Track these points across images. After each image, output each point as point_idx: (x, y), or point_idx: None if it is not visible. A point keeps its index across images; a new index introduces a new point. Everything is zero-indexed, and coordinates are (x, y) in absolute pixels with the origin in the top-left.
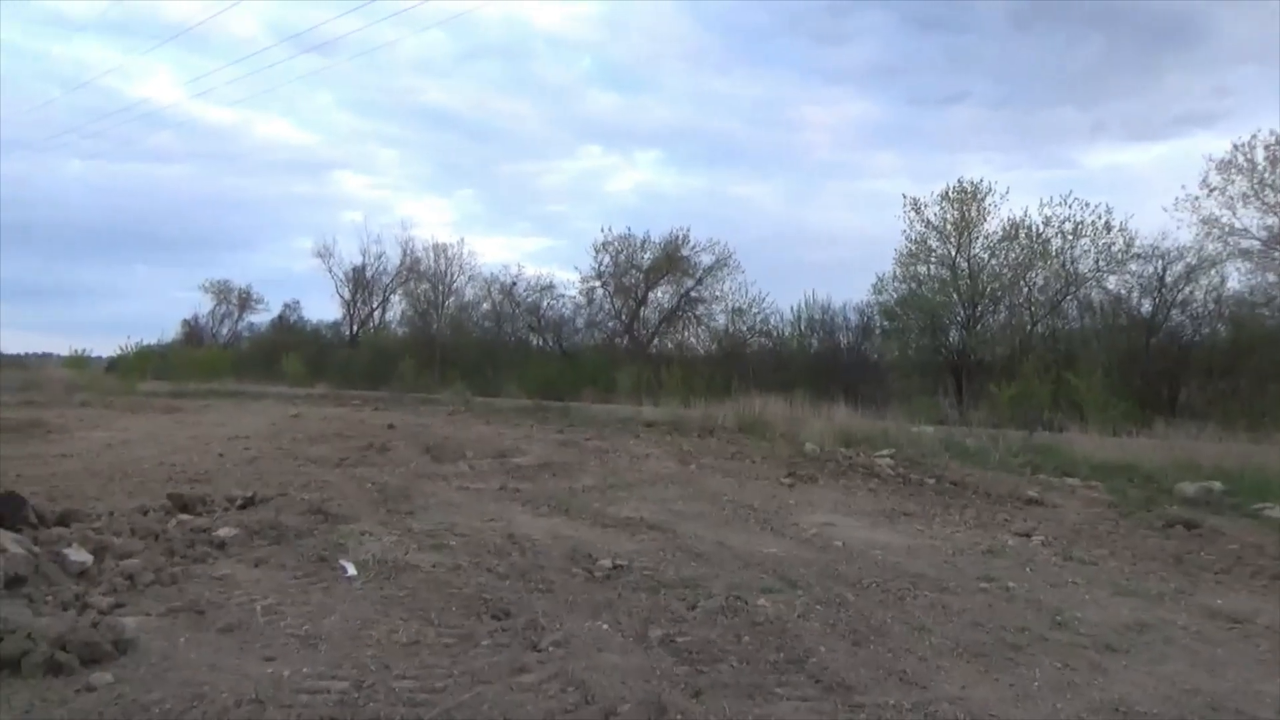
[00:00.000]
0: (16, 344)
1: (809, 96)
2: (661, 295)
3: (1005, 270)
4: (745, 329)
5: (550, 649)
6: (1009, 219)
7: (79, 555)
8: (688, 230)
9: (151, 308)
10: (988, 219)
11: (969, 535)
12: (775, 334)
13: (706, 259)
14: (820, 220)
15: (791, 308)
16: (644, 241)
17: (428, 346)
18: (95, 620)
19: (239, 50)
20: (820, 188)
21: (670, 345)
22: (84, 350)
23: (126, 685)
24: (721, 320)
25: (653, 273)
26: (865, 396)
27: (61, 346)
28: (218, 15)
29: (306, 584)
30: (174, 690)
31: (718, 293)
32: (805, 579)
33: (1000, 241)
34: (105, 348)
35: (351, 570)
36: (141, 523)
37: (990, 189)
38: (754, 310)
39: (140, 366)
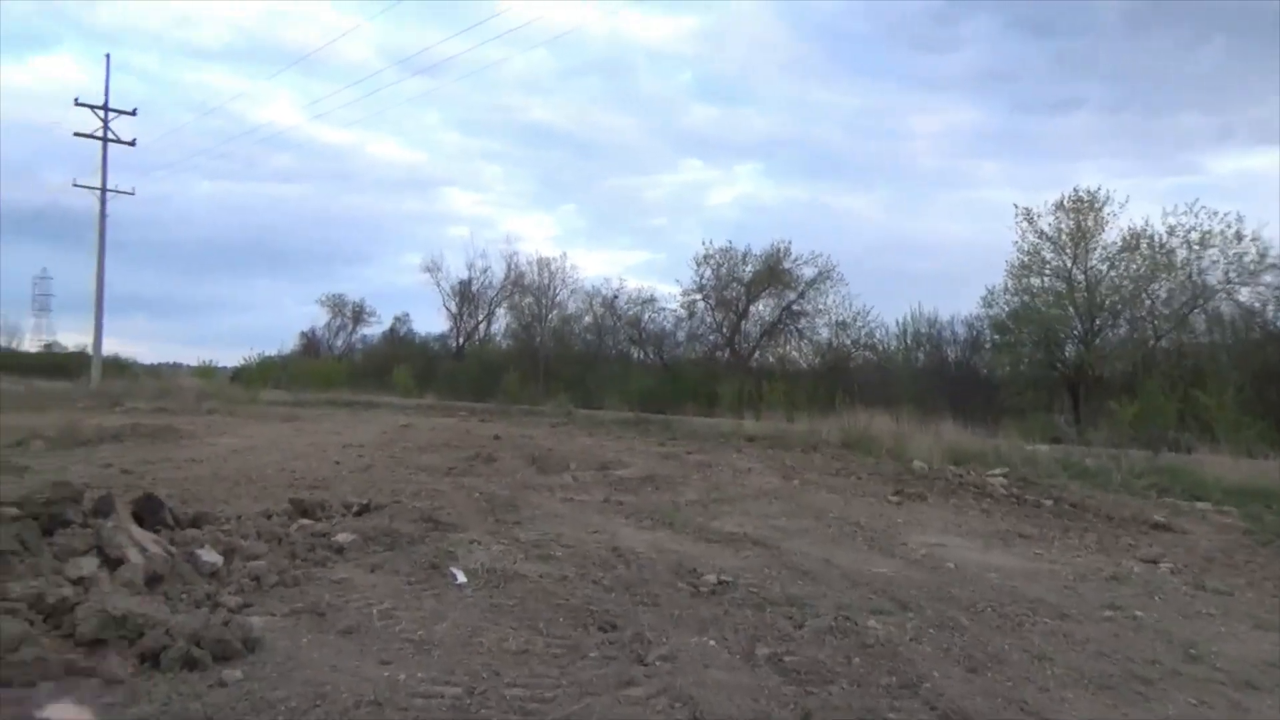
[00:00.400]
0: (152, 354)
1: (913, 105)
2: (763, 308)
3: (1125, 282)
4: (849, 343)
5: (657, 663)
6: (1129, 229)
7: (210, 556)
8: (789, 243)
9: (272, 320)
10: (1106, 229)
11: (1091, 560)
12: (880, 348)
13: (808, 271)
14: (925, 231)
15: (897, 321)
16: (745, 254)
17: (531, 359)
18: (226, 619)
19: (353, 74)
20: (925, 198)
21: (772, 359)
22: (211, 361)
23: (255, 682)
24: (824, 334)
25: (754, 286)
26: (974, 413)
27: (191, 357)
28: (334, 41)
29: (419, 590)
30: (298, 689)
31: (820, 306)
32: (916, 601)
33: (1120, 252)
34: (230, 358)
35: (462, 578)
36: (266, 526)
37: (1108, 197)
38: (858, 324)
39: (262, 376)
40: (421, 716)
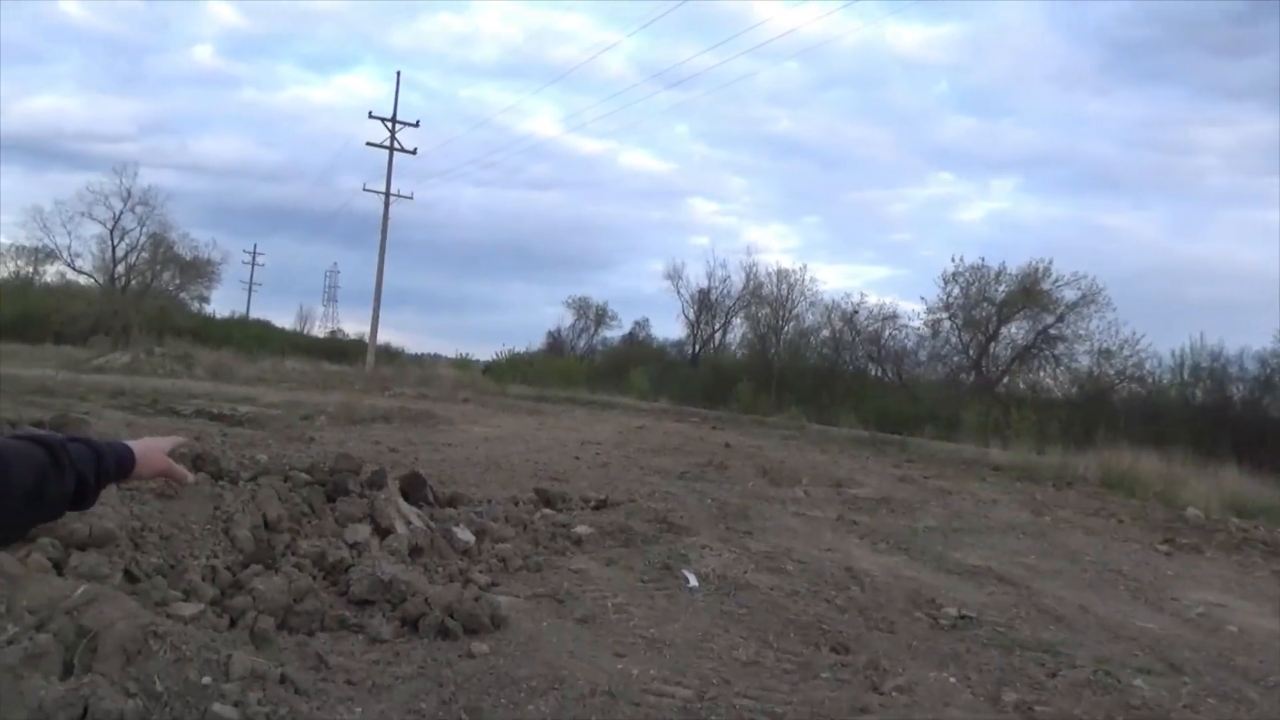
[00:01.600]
0: (417, 345)
1: (1202, 116)
2: (1015, 331)
3: None
4: (1113, 372)
5: (893, 694)
6: None
7: (465, 535)
8: (1049, 262)
9: (522, 319)
10: None
11: None
12: (1150, 380)
13: (1070, 294)
14: (1210, 254)
15: (1172, 352)
16: (999, 273)
17: (765, 370)
18: (477, 595)
19: (610, 88)
20: (1211, 217)
21: (1022, 385)
22: (467, 354)
23: (500, 658)
24: (1084, 361)
25: (1007, 306)
26: (1264, 460)
27: (450, 349)
28: (594, 57)
29: (652, 588)
30: (538, 669)
31: (1081, 331)
32: (1191, 664)
33: None
34: (484, 352)
35: (693, 581)
36: (513, 512)
37: None
38: (1124, 352)
39: (511, 371)
40: (652, 714)
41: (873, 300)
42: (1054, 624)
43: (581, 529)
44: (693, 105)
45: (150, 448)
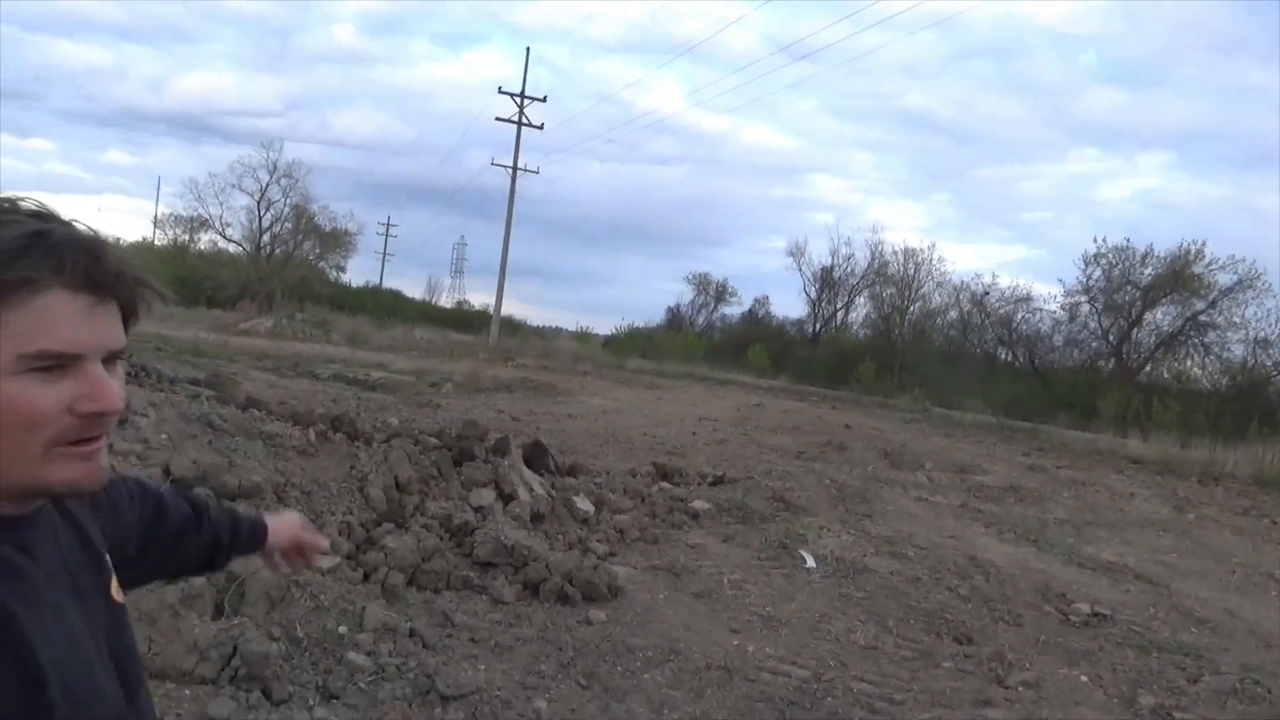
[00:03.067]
0: (539, 317)
1: None
2: (1161, 317)
3: None
4: (1270, 364)
5: (1019, 688)
6: None
7: (584, 504)
8: (1202, 244)
9: (641, 294)
10: None
11: None
12: None
13: (1225, 278)
14: None
15: None
16: (1145, 255)
17: (888, 350)
18: (595, 564)
19: (735, 62)
20: None
21: (1166, 374)
22: (587, 327)
23: (616, 626)
24: (1238, 351)
25: (1153, 291)
26: None
27: (570, 322)
28: (720, 31)
29: (768, 566)
30: (654, 640)
31: (1236, 319)
32: None
33: None
34: (603, 326)
35: (811, 562)
36: (631, 484)
37: None
38: None
39: (630, 346)
40: (768, 691)
41: (1005, 282)
42: (1196, 626)
43: (698, 504)
44: (820, 79)
45: (283, 524)
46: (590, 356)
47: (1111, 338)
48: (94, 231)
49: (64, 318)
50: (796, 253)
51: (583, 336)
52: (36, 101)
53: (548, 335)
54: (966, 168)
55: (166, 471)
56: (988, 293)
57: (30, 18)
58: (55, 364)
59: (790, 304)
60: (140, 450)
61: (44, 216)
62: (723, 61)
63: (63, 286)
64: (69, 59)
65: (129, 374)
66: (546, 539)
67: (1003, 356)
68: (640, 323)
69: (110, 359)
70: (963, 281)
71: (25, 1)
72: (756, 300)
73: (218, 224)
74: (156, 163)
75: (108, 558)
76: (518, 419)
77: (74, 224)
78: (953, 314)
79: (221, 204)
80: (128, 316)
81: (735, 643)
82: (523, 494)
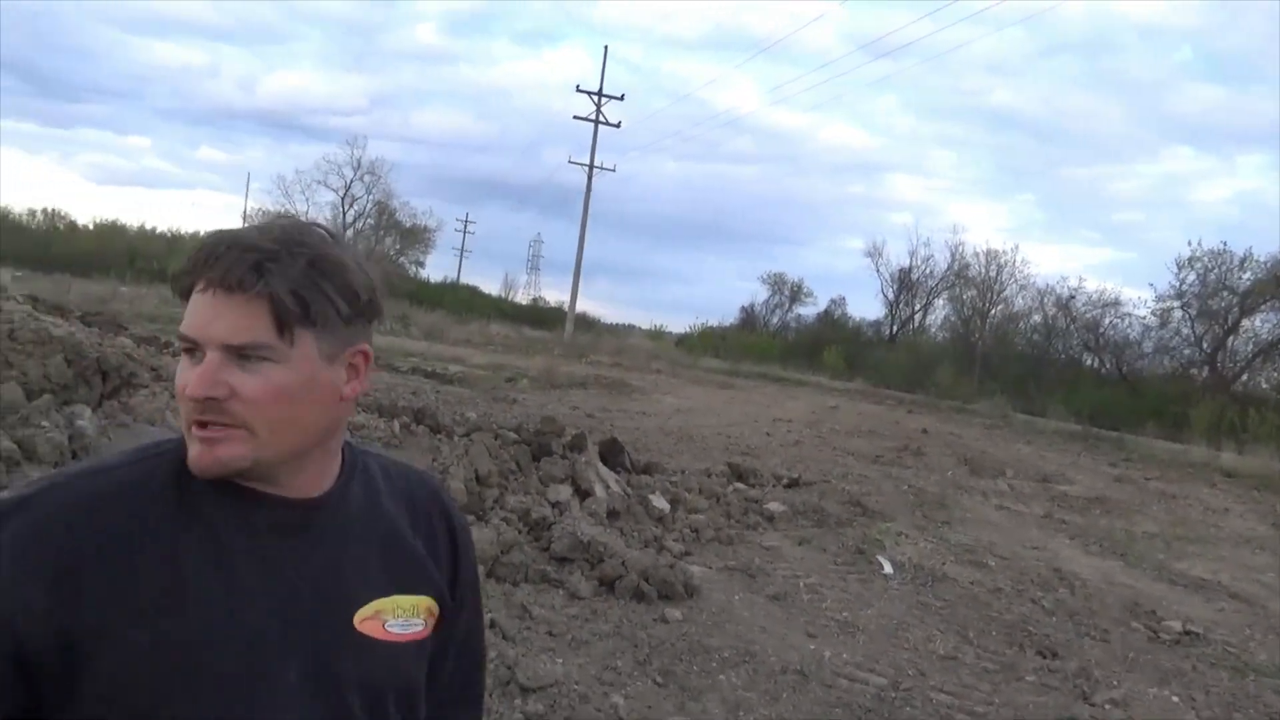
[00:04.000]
0: (612, 315)
1: None
2: (1260, 324)
3: None
4: None
5: (1106, 706)
6: None
7: (660, 502)
8: None
9: (715, 293)
10: None
11: None
12: None
13: None
14: None
15: None
16: (1244, 259)
17: (967, 354)
18: (671, 563)
19: (815, 60)
20: None
21: (1265, 384)
22: (661, 325)
23: (692, 626)
24: None
25: (1252, 297)
26: None
27: (644, 320)
28: (800, 29)
29: (845, 571)
30: (730, 641)
31: None
32: None
33: None
34: (677, 325)
35: (888, 568)
36: (706, 484)
37: None
38: None
39: (703, 344)
40: (845, 698)
41: (1092, 285)
42: None
43: (773, 506)
44: (902, 76)
45: None
46: (664, 355)
47: (1205, 345)
48: (260, 233)
49: (191, 309)
50: (874, 253)
51: (656, 334)
52: (136, 100)
53: (621, 333)
54: (1053, 167)
55: None
56: (1074, 296)
57: (131, 20)
58: (193, 348)
59: (867, 305)
60: None
61: (237, 228)
62: (802, 59)
63: (201, 282)
64: (166, 59)
65: None
66: (622, 536)
67: (1089, 363)
68: (714, 322)
69: (245, 354)
70: (1048, 284)
71: (126, 3)
72: (832, 301)
73: (304, 219)
74: (246, 159)
75: (386, 599)
76: (592, 416)
77: (253, 228)
78: (1036, 318)
79: (307, 200)
80: (286, 316)
81: (811, 647)
82: (599, 490)
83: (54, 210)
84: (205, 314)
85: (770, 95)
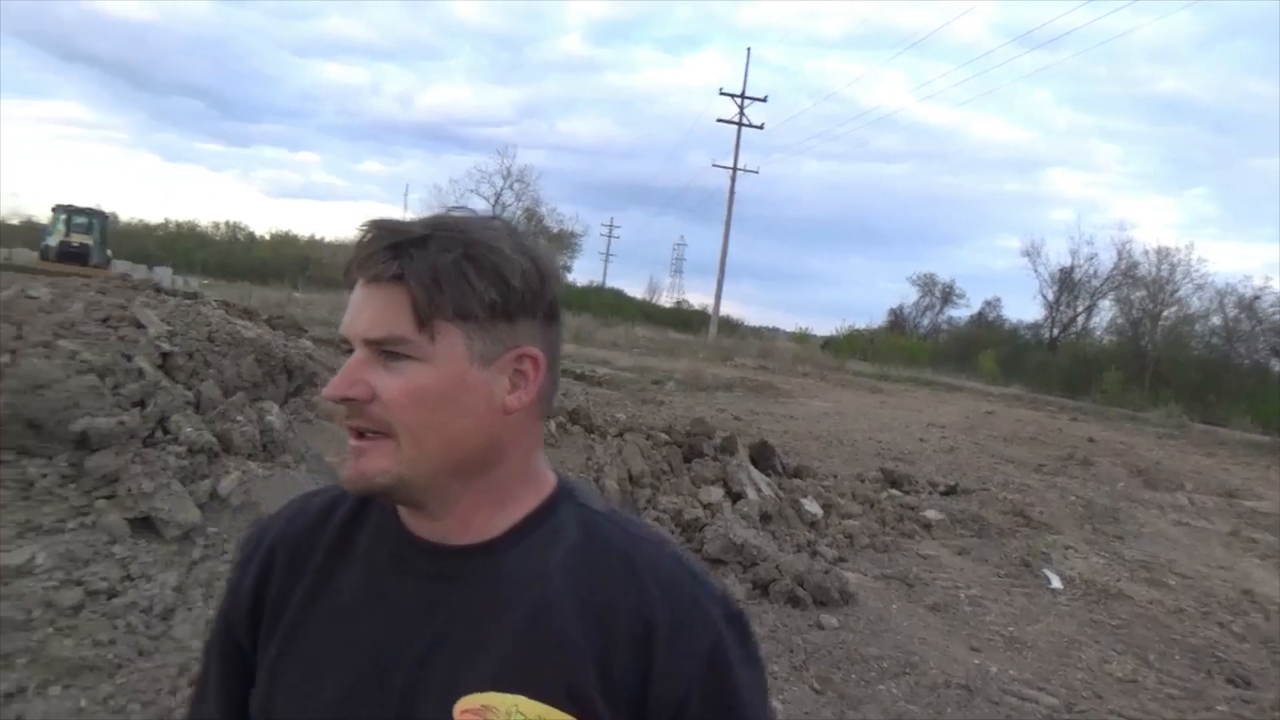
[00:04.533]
0: (756, 317)
1: None
2: None
3: None
4: None
5: None
6: None
7: (812, 507)
8: None
9: (862, 295)
10: None
11: None
12: None
13: None
14: None
15: None
16: None
17: (1137, 359)
18: (826, 568)
19: (965, 54)
20: None
21: None
22: (806, 328)
23: (849, 633)
24: None
25: None
26: None
27: (788, 323)
28: (949, 23)
29: (1009, 584)
30: (888, 650)
31: None
32: None
33: None
34: (822, 327)
35: (1056, 582)
36: (859, 489)
37: None
38: None
39: (850, 347)
40: (1014, 716)
41: (1278, 285)
42: None
43: (931, 514)
44: (1058, 68)
45: None
46: (809, 357)
47: None
48: (415, 220)
49: (347, 305)
50: (1032, 252)
51: (801, 337)
52: (306, 119)
53: (765, 336)
54: (1231, 158)
55: None
56: (1259, 297)
57: (302, 43)
58: (349, 348)
59: (1024, 307)
60: None
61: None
62: (951, 53)
63: (354, 273)
64: (332, 79)
65: None
66: (774, 539)
67: (1277, 368)
68: (861, 324)
69: (386, 351)
70: (1228, 284)
71: (298, 27)
72: (987, 303)
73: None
74: (404, 171)
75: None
76: (739, 418)
77: (415, 217)
78: (1215, 320)
79: None
80: (424, 305)
81: (976, 661)
82: (750, 493)
83: (235, 223)
84: (353, 308)
85: (918, 91)
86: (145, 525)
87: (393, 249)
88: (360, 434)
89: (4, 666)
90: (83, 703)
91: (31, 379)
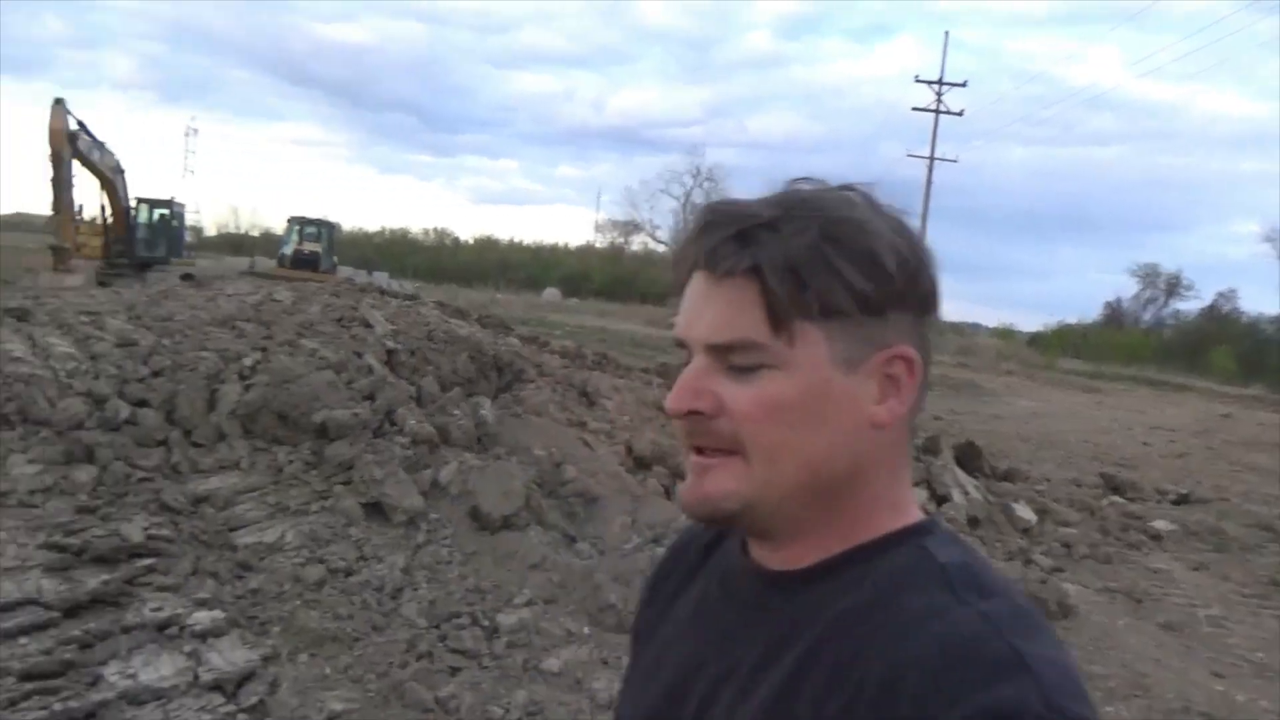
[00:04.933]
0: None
1: None
2: None
3: None
4: None
5: None
6: None
7: (1025, 513)
8: None
9: (1073, 288)
10: None
11: None
12: None
13: None
14: None
15: None
16: None
17: None
18: (1042, 578)
19: (1190, 24)
20: None
21: None
22: (1010, 324)
23: (1070, 649)
24: None
25: None
26: None
27: (989, 317)
28: None
29: (1256, 605)
30: (1116, 670)
31: None
32: None
33: None
34: (1028, 323)
35: None
36: (1076, 495)
37: None
38: None
39: (1059, 344)
40: None
41: None
42: None
43: (1160, 524)
44: None
45: None
46: (1014, 354)
47: None
48: (762, 199)
49: (683, 302)
50: (1276, 238)
51: (1004, 333)
52: (504, 127)
53: (966, 332)
54: None
55: (629, 449)
56: None
57: (499, 56)
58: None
59: (1266, 299)
60: (607, 429)
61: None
62: (1172, 24)
63: (691, 265)
64: (528, 89)
65: (594, 363)
66: (984, 545)
67: None
68: (1073, 319)
69: (733, 357)
70: None
71: (495, 38)
72: (1220, 294)
73: (648, 227)
74: (597, 174)
75: None
76: (940, 418)
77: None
78: None
79: (651, 209)
80: (780, 303)
81: (1218, 688)
82: (956, 496)
83: (442, 229)
84: (691, 307)
85: (1136, 67)
86: (375, 510)
87: (739, 237)
88: (701, 450)
89: (262, 633)
90: (327, 670)
91: (280, 374)
